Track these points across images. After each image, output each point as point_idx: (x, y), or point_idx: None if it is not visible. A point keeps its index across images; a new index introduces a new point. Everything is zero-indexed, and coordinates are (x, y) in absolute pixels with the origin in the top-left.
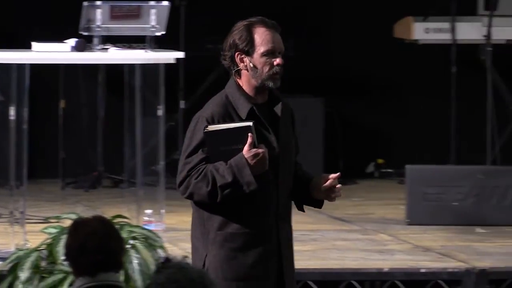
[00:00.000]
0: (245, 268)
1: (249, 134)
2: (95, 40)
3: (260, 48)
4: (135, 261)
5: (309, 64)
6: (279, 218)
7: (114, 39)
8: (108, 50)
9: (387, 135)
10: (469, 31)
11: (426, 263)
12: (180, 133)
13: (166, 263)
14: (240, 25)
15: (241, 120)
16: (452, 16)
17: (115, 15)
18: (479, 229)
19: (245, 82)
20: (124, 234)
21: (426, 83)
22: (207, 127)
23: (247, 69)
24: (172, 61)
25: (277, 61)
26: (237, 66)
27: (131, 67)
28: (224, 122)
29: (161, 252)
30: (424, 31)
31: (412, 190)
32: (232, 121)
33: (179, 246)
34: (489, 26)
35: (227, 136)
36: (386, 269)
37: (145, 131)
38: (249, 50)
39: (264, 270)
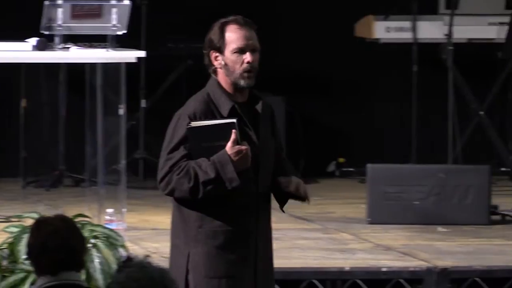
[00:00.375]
0: (226, 266)
1: (233, 130)
2: (57, 39)
3: (230, 46)
4: (96, 260)
5: (270, 63)
6: (258, 215)
7: (75, 38)
8: (70, 49)
9: (348, 134)
10: (430, 30)
11: (387, 262)
12: (141, 132)
13: (127, 262)
14: (216, 23)
15: (223, 118)
16: (413, 15)
17: (76, 14)
18: (440, 228)
19: (222, 80)
20: (85, 233)
21: (387, 82)
22: (190, 123)
23: (221, 67)
24: (133, 60)
25: (247, 58)
26: (213, 65)
27: (93, 66)
28: (206, 119)
29: (122, 251)
30: (385, 30)
31: (373, 189)
32: (214, 118)
33: (140, 245)
34: (450, 25)
35: (210, 132)
36: (347, 268)
37: (107, 130)
38: (221, 47)
39: (244, 268)
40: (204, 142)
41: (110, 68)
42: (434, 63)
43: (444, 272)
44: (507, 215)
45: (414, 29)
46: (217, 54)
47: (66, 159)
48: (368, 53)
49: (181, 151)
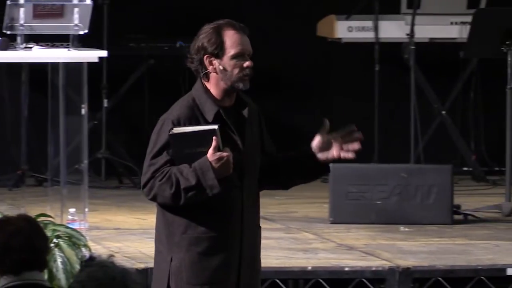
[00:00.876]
0: (208, 272)
1: (214, 137)
2: (19, 39)
3: (230, 51)
4: (59, 260)
5: None
6: (243, 222)
7: (37, 37)
8: (32, 49)
9: (310, 134)
10: (392, 29)
11: (350, 261)
12: (103, 132)
13: (90, 262)
14: (208, 28)
15: (207, 123)
16: (375, 14)
17: (38, 13)
18: (402, 228)
19: (214, 84)
20: (48, 233)
21: (350, 81)
22: (172, 129)
23: (216, 72)
24: (95, 60)
25: (247, 63)
26: (206, 69)
27: (55, 66)
28: (190, 124)
29: (85, 251)
30: (347, 29)
31: (336, 189)
32: (198, 123)
33: (102, 245)
34: (412, 24)
35: (192, 139)
36: (309, 268)
37: (69, 130)
38: (218, 53)
39: (227, 275)
40: (186, 149)
41: (72, 67)
42: (396, 63)
43: (406, 272)
44: (469, 214)
45: (376, 28)
46: (213, 58)
47: (29, 159)
48: (330, 52)
49: (164, 157)
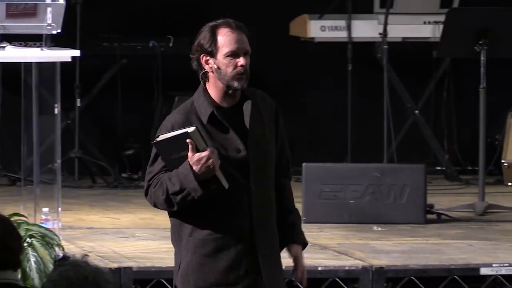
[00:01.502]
0: (215, 274)
1: (187, 140)
2: None
3: (223, 49)
4: (32, 259)
5: None
6: (254, 222)
7: (10, 37)
8: (5, 48)
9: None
10: (365, 29)
11: (323, 261)
12: (76, 131)
13: (63, 261)
14: (205, 27)
15: (203, 125)
16: (348, 14)
17: (11, 13)
18: (376, 227)
19: (212, 84)
20: (21, 232)
21: (323, 81)
22: (157, 137)
23: (212, 71)
24: (68, 60)
25: (241, 61)
26: (203, 69)
27: (28, 65)
28: (179, 129)
29: (58, 250)
30: (320, 29)
31: (309, 188)
32: (191, 126)
33: (76, 244)
34: (385, 24)
35: (173, 144)
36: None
37: (42, 130)
38: (212, 51)
39: (234, 276)
40: (172, 154)
41: (45, 67)
42: (369, 62)
43: (379, 271)
44: (442, 214)
45: (349, 28)
46: (208, 57)
47: (2, 158)
48: (303, 52)
49: (159, 163)
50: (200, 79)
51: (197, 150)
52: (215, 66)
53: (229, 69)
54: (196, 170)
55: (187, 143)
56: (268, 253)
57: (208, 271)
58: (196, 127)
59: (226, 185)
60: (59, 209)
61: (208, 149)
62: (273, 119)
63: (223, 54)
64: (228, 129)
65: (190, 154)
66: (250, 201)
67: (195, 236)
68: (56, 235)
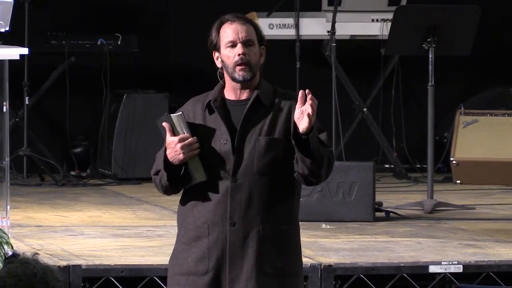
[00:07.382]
0: (187, 263)
1: (163, 123)
2: None
3: (223, 42)
4: None
5: (152, 60)
6: (231, 216)
7: None
8: None
9: None
10: (313, 26)
11: None
12: (25, 129)
13: (12, 258)
14: (214, 23)
15: (204, 115)
16: (296, 11)
17: None
18: (324, 225)
19: (226, 79)
20: None
21: (271, 79)
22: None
23: (222, 66)
24: (17, 57)
25: (238, 51)
26: (217, 65)
27: None
28: (188, 118)
29: (7, 248)
30: (268, 26)
31: None
32: (195, 116)
33: (24, 242)
34: (333, 21)
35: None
36: None
37: None
38: (217, 46)
39: (203, 267)
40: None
41: None
42: (318, 60)
43: (328, 269)
44: (391, 211)
45: (297, 26)
46: (217, 53)
47: None
48: None
49: (162, 151)
50: (219, 78)
51: (174, 135)
52: (221, 60)
53: (229, 60)
54: (168, 154)
55: (169, 126)
56: (237, 249)
57: (182, 259)
58: (182, 112)
59: (200, 178)
60: (8, 207)
61: (184, 136)
62: (286, 115)
63: (223, 46)
64: (225, 121)
65: (167, 136)
66: (232, 195)
67: (183, 223)
68: (5, 233)
